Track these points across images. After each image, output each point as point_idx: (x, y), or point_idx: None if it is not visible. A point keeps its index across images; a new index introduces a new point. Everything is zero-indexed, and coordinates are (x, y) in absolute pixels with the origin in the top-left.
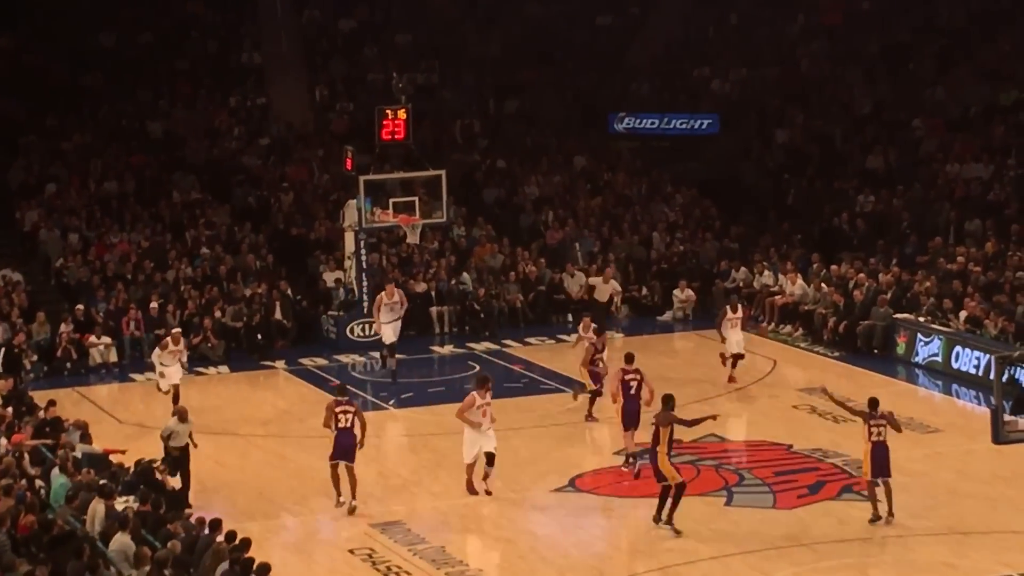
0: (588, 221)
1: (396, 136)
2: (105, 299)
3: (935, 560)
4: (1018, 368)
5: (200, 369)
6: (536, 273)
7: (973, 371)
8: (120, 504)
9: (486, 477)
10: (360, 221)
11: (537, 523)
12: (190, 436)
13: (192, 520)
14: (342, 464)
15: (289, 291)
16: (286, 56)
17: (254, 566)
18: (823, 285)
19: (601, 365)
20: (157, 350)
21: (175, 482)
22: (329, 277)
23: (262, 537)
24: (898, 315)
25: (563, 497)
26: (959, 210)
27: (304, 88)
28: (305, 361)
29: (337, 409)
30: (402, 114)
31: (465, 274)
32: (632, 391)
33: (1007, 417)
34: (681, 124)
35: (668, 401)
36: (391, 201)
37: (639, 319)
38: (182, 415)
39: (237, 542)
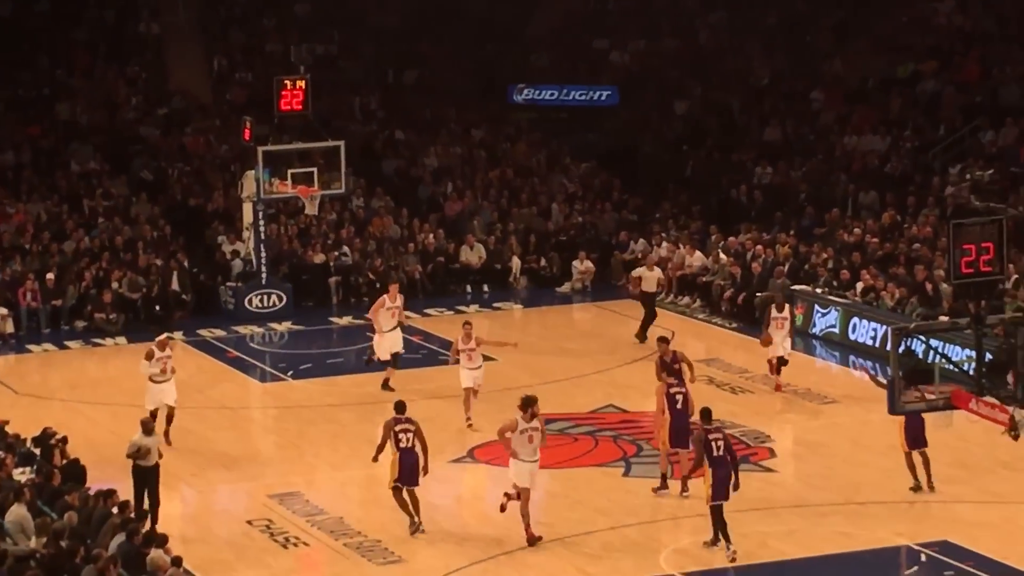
0: (487, 192)
1: (294, 107)
2: (1, 270)
3: (832, 530)
4: (914, 339)
5: (97, 341)
6: (435, 244)
7: (870, 342)
8: (17, 475)
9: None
10: (258, 192)
11: (436, 494)
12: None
13: (89, 492)
14: (405, 489)
15: (186, 262)
16: (184, 26)
17: (151, 537)
18: (721, 256)
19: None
20: (143, 361)
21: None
22: (227, 248)
23: (161, 508)
24: (795, 286)
25: (462, 468)
26: (856, 182)
27: (202, 58)
28: (203, 332)
29: (397, 428)
30: (301, 84)
31: (345, 247)
32: (679, 405)
33: (903, 388)
34: (580, 96)
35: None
36: (289, 172)
37: (538, 290)
38: (147, 427)
39: (133, 513)
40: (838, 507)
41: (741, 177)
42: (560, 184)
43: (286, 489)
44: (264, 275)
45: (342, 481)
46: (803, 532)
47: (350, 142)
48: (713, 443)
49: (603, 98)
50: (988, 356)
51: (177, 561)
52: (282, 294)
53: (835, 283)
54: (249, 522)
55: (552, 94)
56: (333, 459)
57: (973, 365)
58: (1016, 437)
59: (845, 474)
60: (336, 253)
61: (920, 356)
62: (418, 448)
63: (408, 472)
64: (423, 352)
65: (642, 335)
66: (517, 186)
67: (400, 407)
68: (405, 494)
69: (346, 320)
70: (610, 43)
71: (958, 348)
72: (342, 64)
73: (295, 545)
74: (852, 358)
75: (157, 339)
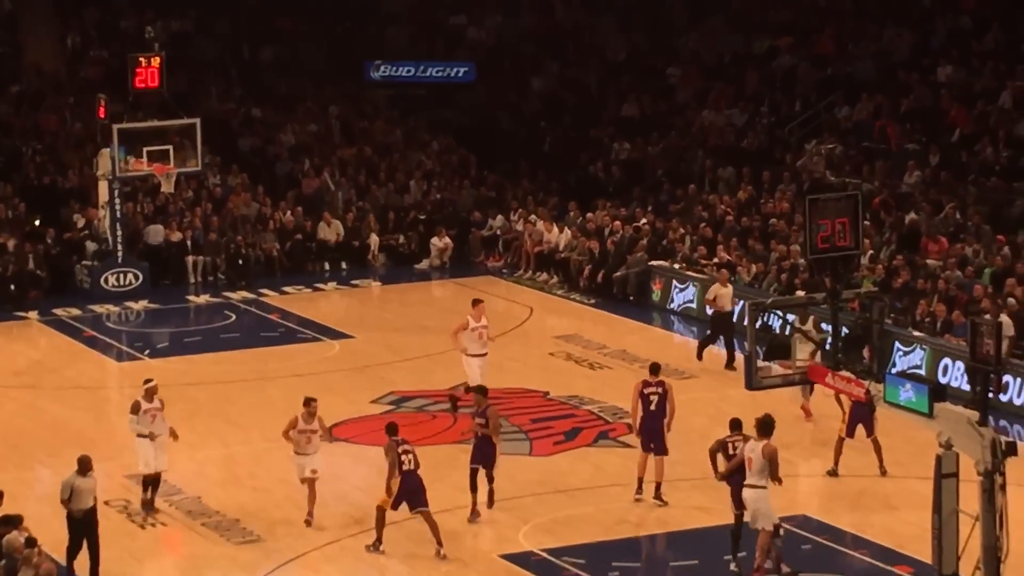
0: (345, 170)
1: (150, 84)
2: None
3: (689, 504)
4: (771, 315)
5: None
6: (292, 222)
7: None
8: None
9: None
10: (114, 170)
11: (293, 472)
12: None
13: None
14: (420, 512)
15: (50, 239)
16: (37, 3)
17: (6, 518)
18: (579, 233)
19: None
20: (130, 415)
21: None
22: (82, 226)
23: (15, 489)
24: (653, 262)
25: (320, 446)
26: (713, 157)
27: (56, 35)
28: (59, 311)
29: (400, 450)
30: (156, 62)
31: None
32: (652, 406)
33: (760, 363)
34: (437, 72)
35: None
36: (145, 150)
37: (396, 267)
38: (83, 465)
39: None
40: (696, 482)
41: (599, 153)
42: (418, 161)
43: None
44: (120, 254)
45: (199, 461)
46: (662, 508)
47: (206, 119)
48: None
49: (460, 75)
50: (844, 330)
51: (31, 542)
52: (138, 273)
53: (693, 259)
54: (106, 502)
55: (409, 71)
56: (190, 439)
57: (829, 340)
58: (873, 410)
59: (702, 449)
60: (190, 231)
61: (777, 331)
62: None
63: (413, 493)
64: (281, 330)
65: (700, 353)
66: (375, 163)
67: (392, 429)
68: (419, 516)
69: (203, 298)
70: (467, 19)
71: None
72: (198, 41)
73: (153, 526)
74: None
75: (145, 387)
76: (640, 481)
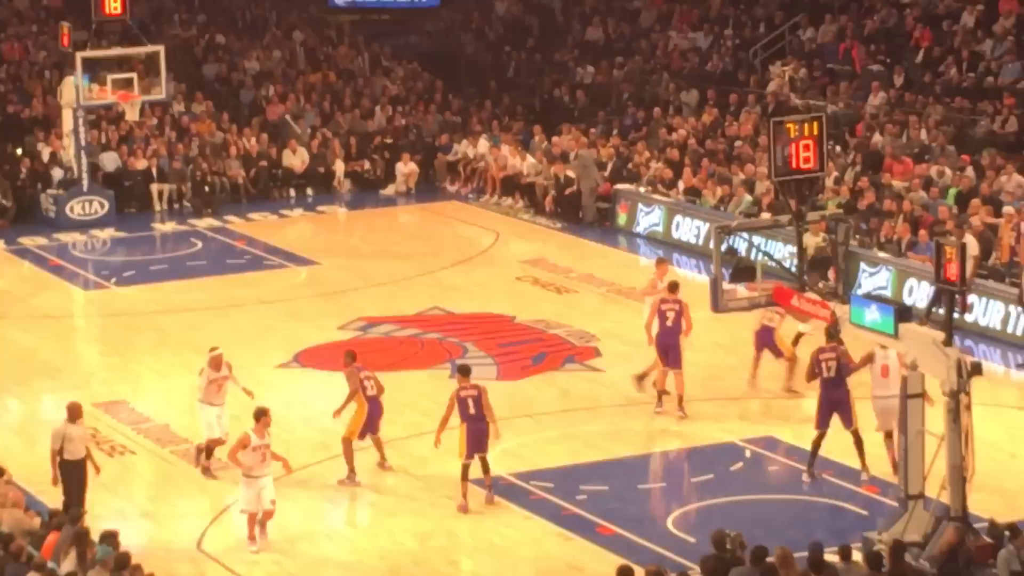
0: (309, 96)
1: (113, 12)
2: None
3: (656, 428)
4: (736, 237)
5: None
6: (257, 149)
7: (693, 240)
8: None
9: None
10: (78, 98)
11: (262, 399)
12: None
13: None
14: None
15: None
16: None
17: None
18: (544, 157)
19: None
20: (200, 386)
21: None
22: (47, 155)
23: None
24: (619, 185)
25: (287, 373)
26: (677, 81)
27: None
28: (24, 240)
29: (361, 376)
30: None
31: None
32: (669, 323)
33: (726, 286)
34: None
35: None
36: (109, 78)
37: (362, 193)
38: (72, 412)
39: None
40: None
41: (563, 77)
42: (382, 86)
43: (111, 398)
44: (85, 182)
45: (167, 389)
46: (630, 431)
47: (169, 47)
48: (824, 363)
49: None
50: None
51: None
52: (104, 201)
53: (658, 181)
54: None
55: None
56: (158, 367)
57: (795, 262)
58: (837, 332)
59: None
60: (155, 159)
61: (742, 254)
62: (382, 396)
63: (372, 420)
64: (247, 257)
65: None
66: (339, 89)
67: (351, 356)
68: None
69: (169, 226)
70: None
71: (780, 244)
72: None
73: (121, 454)
74: (676, 256)
75: (211, 355)
76: (660, 395)
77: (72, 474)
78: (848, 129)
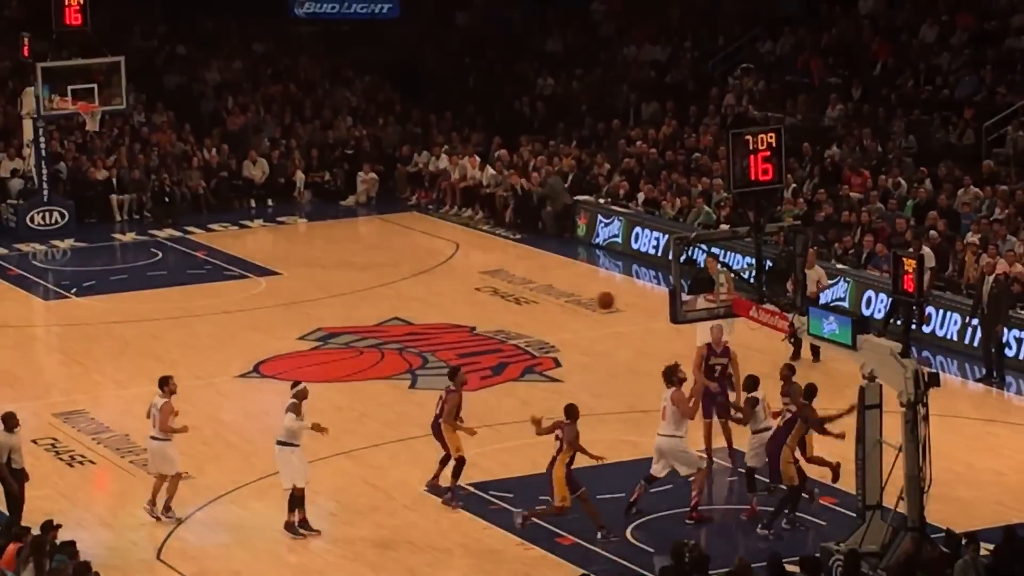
0: (270, 107)
1: (74, 22)
2: None
3: (615, 438)
4: (695, 248)
5: None
6: (217, 159)
7: (652, 251)
8: None
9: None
10: (38, 109)
11: (222, 409)
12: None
13: None
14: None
15: None
16: None
17: None
18: (503, 168)
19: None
20: (292, 417)
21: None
22: (7, 166)
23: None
24: (578, 197)
25: (248, 383)
26: (637, 92)
27: None
28: None
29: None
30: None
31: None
32: (716, 375)
33: (685, 297)
34: (361, 8)
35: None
36: (70, 88)
37: (322, 204)
38: (8, 422)
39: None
40: (622, 415)
41: (523, 88)
42: (343, 97)
43: (71, 408)
44: (46, 192)
45: (127, 399)
46: (588, 441)
47: (130, 57)
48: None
49: (384, 11)
50: (768, 264)
51: None
52: (64, 211)
53: (617, 193)
54: (34, 441)
55: (333, 7)
56: (118, 376)
57: (753, 273)
58: (796, 342)
59: (629, 383)
60: (116, 170)
61: (702, 265)
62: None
63: None
64: (207, 268)
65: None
66: (300, 100)
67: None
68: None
69: (130, 236)
70: None
71: (739, 256)
72: None
73: (81, 463)
74: (635, 267)
75: (295, 389)
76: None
77: (17, 480)
78: (807, 141)
